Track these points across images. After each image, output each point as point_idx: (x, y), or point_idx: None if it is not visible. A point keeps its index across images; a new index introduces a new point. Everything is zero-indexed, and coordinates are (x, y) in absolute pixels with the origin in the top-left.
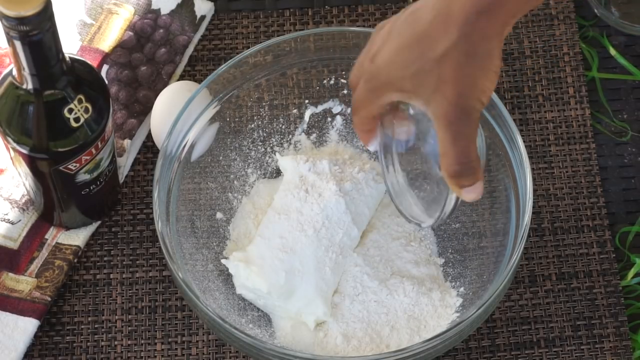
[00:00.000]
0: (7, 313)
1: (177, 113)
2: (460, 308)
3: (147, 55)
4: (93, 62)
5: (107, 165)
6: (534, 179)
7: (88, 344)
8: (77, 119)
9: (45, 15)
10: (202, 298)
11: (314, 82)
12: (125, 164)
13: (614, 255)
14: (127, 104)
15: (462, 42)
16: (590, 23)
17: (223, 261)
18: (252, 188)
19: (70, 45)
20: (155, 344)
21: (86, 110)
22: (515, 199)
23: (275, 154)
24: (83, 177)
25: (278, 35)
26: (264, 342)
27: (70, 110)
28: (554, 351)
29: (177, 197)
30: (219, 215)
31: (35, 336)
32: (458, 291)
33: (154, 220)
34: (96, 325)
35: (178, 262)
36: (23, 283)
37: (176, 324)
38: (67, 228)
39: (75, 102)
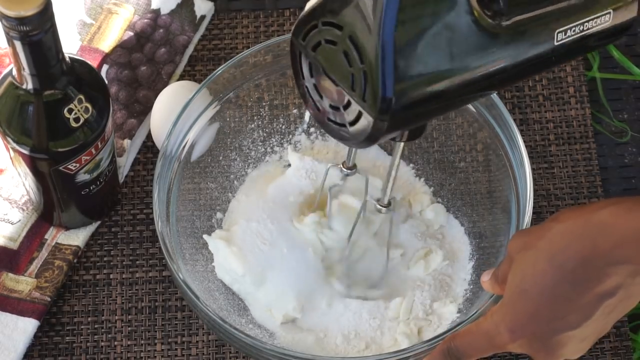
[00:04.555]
0: (7, 313)
1: (177, 113)
2: (465, 303)
3: (147, 55)
4: (93, 62)
5: (107, 165)
6: (534, 179)
7: (88, 344)
8: (77, 119)
9: (45, 15)
10: (202, 298)
11: None
12: (125, 164)
13: None
14: (127, 104)
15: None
16: None
17: (205, 237)
18: (247, 176)
19: (70, 45)
20: (155, 344)
21: (86, 110)
22: (516, 199)
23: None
24: (83, 177)
25: (278, 35)
26: (264, 342)
27: (70, 110)
28: None
29: (177, 197)
30: (219, 215)
31: (35, 336)
32: (459, 291)
33: (154, 220)
34: (96, 326)
35: (178, 262)
36: (23, 283)
37: (176, 324)
38: (67, 228)
39: (75, 102)
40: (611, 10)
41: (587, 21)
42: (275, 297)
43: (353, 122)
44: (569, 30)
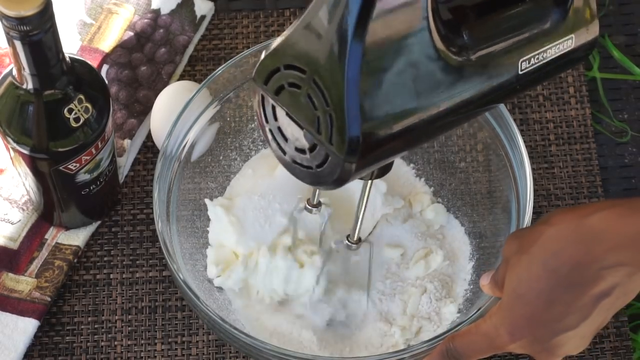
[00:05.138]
0: (7, 313)
1: (177, 113)
2: (465, 303)
3: (147, 55)
4: (93, 62)
5: (107, 165)
6: (534, 179)
7: (88, 344)
8: (77, 119)
9: (46, 15)
10: (202, 298)
11: None
12: (125, 164)
13: None
14: (127, 104)
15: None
16: None
17: (206, 201)
18: (256, 154)
19: (70, 45)
20: (155, 344)
21: (86, 110)
22: (516, 199)
23: None
24: (83, 177)
25: (278, 35)
26: (264, 342)
27: (70, 110)
28: None
29: (177, 197)
30: None
31: (35, 336)
32: (459, 291)
33: (154, 220)
34: (96, 326)
35: (178, 262)
36: (23, 283)
37: (176, 324)
38: (67, 228)
39: (75, 102)
40: (573, 36)
41: (550, 48)
42: (263, 276)
43: (320, 165)
44: (532, 59)
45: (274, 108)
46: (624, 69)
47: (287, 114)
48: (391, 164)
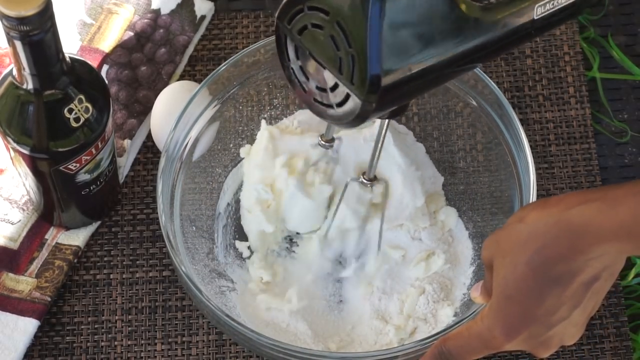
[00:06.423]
0: (7, 313)
1: (177, 113)
2: (462, 307)
3: (147, 55)
4: (93, 62)
5: (107, 165)
6: None
7: (88, 344)
8: (77, 119)
9: (46, 15)
10: (205, 291)
11: None
12: (125, 164)
13: None
14: (127, 104)
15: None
16: (591, 18)
17: (262, 120)
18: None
19: (70, 45)
20: (156, 344)
21: (86, 110)
22: (519, 200)
23: None
24: (83, 177)
25: None
26: (267, 337)
27: (71, 110)
28: (555, 351)
29: (179, 197)
30: (221, 214)
31: (35, 336)
32: (457, 295)
33: (158, 214)
34: (96, 326)
35: (181, 256)
36: (23, 283)
37: (176, 324)
38: (67, 228)
39: (76, 102)
40: None
41: None
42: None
43: (340, 104)
44: (548, 4)
45: (296, 47)
46: (623, 69)
47: (310, 54)
48: (407, 105)
